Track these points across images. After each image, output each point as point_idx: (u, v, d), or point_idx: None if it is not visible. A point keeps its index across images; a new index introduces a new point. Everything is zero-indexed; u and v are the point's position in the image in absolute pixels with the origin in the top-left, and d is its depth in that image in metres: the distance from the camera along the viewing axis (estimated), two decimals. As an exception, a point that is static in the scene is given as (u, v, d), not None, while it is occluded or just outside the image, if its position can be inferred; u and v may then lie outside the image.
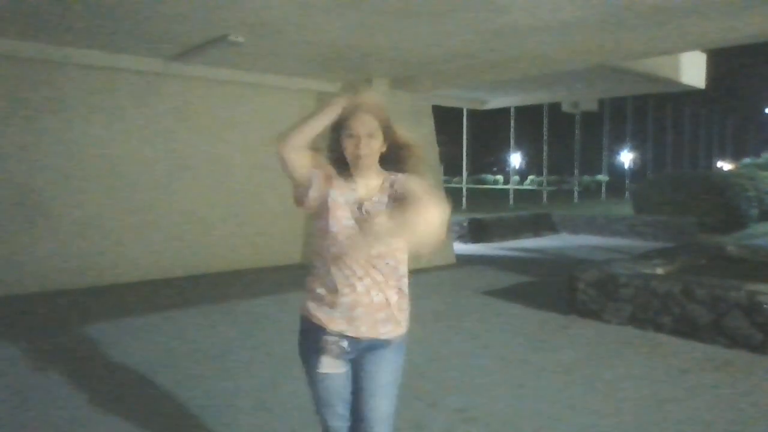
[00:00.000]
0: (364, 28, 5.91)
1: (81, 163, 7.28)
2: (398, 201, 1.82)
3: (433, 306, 6.19)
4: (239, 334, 5.25)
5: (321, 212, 1.88)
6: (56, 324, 5.56)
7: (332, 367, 1.86)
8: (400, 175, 1.91)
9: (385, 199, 1.87)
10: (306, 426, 3.22)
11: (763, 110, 47.93)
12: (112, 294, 6.92)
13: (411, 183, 1.84)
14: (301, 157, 1.85)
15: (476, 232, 11.99)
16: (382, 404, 1.92)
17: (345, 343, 1.85)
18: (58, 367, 4.30)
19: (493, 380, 4.08)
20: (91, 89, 7.32)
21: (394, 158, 1.93)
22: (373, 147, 1.86)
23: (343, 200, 1.86)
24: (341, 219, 1.84)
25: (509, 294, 6.89)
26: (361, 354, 1.89)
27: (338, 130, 1.88)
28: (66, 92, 7.14)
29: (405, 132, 1.93)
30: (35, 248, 6.94)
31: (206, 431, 3.29)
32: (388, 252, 1.84)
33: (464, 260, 9.29)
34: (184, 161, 8.14)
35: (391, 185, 1.89)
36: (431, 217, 1.63)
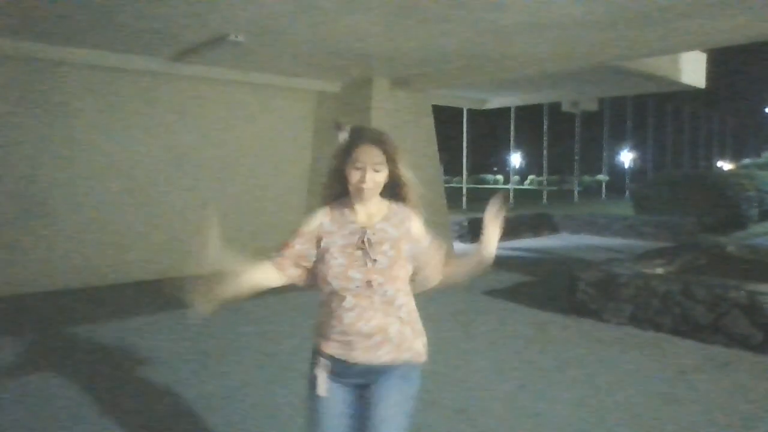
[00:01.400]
0: (364, 28, 5.91)
1: (81, 163, 7.29)
2: (408, 238, 1.88)
3: (433, 306, 6.17)
4: (239, 334, 5.25)
5: (319, 261, 1.87)
6: (56, 324, 5.56)
7: (321, 389, 1.84)
8: (401, 207, 1.92)
9: (390, 228, 1.87)
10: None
11: (763, 110, 47.93)
12: (112, 294, 6.92)
13: (421, 229, 1.93)
14: (294, 275, 1.91)
15: (476, 232, 11.93)
16: None
17: (330, 365, 1.84)
18: (59, 366, 4.30)
19: (493, 380, 4.09)
20: (92, 89, 7.32)
21: (391, 189, 1.92)
22: (377, 180, 1.83)
23: (331, 242, 1.85)
24: (329, 260, 1.83)
25: (509, 294, 6.88)
26: (366, 380, 1.85)
27: (344, 157, 1.86)
28: (66, 92, 7.14)
29: (406, 170, 1.90)
30: (35, 248, 6.94)
31: (206, 431, 3.29)
32: (386, 281, 1.81)
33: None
34: (184, 161, 8.14)
35: (396, 216, 1.90)
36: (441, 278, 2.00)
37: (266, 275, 1.90)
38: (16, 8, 5.26)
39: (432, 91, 9.57)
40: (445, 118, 15.38)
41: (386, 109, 8.67)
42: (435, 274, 1.98)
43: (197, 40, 6.37)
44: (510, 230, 13.61)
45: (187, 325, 5.50)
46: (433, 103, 10.15)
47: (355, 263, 1.81)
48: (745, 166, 24.37)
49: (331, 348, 1.85)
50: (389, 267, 1.82)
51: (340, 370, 1.84)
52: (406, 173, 1.91)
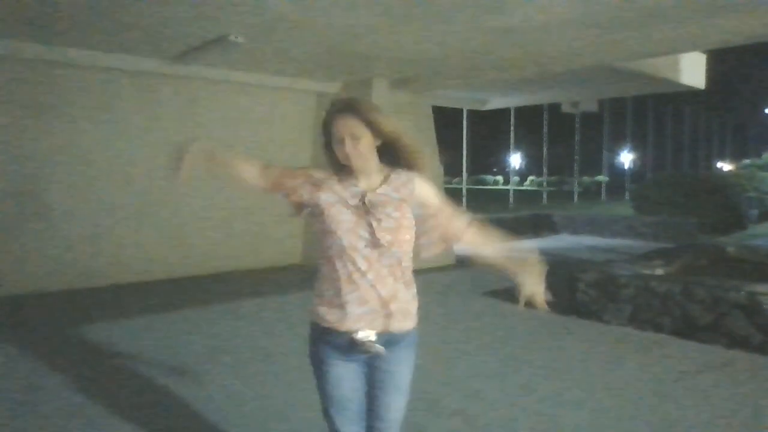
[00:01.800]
0: (364, 28, 5.91)
1: (81, 164, 7.28)
2: (411, 200, 1.86)
3: (433, 306, 6.18)
4: (239, 334, 5.24)
5: (316, 215, 1.86)
6: (56, 324, 5.56)
7: (380, 349, 1.80)
8: (403, 172, 1.90)
9: (392, 191, 1.85)
10: (308, 425, 3.22)
11: (763, 110, 47.94)
12: (112, 294, 6.92)
13: (427, 189, 1.91)
14: (268, 178, 1.91)
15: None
16: (399, 403, 1.91)
17: (371, 336, 1.81)
18: (59, 367, 4.30)
19: (492, 381, 4.08)
20: (92, 90, 7.32)
21: (388, 152, 1.90)
22: (360, 147, 1.81)
23: (335, 198, 1.83)
24: (336, 215, 1.81)
25: (509, 294, 6.87)
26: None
27: (326, 134, 1.87)
28: (66, 93, 7.14)
29: (392, 124, 1.86)
30: (35, 248, 6.94)
31: (207, 431, 3.29)
32: (394, 242, 1.80)
33: (464, 260, 9.29)
34: (184, 161, 8.13)
35: (398, 179, 1.88)
36: (461, 228, 1.94)
37: (252, 176, 1.91)
38: (16, 8, 5.26)
39: (432, 92, 9.57)
40: (445, 119, 15.37)
41: (386, 109, 8.64)
42: (447, 235, 1.93)
43: (197, 41, 6.37)
44: (510, 231, 13.67)
45: (187, 326, 5.50)
46: (433, 104, 10.16)
47: (361, 221, 1.80)
48: (745, 167, 24.38)
49: (350, 323, 1.80)
50: (395, 228, 1.81)
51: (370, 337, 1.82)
52: (397, 131, 1.87)
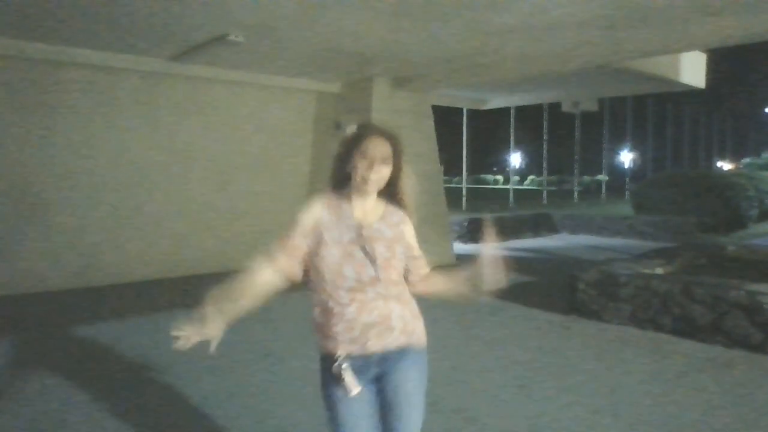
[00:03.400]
0: (364, 28, 5.91)
1: (82, 163, 7.28)
2: (401, 241, 1.90)
3: (433, 306, 6.17)
4: (239, 334, 5.23)
5: (313, 253, 1.86)
6: (56, 324, 5.56)
7: (351, 389, 1.80)
8: (396, 210, 1.92)
9: (386, 229, 1.87)
10: (308, 426, 3.22)
11: (763, 110, 47.93)
12: (112, 294, 6.91)
13: (413, 236, 1.95)
14: (298, 272, 1.90)
15: (476, 232, 11.99)
16: (411, 415, 1.87)
17: (357, 364, 1.81)
18: (58, 366, 4.30)
19: (492, 380, 4.08)
20: (92, 89, 7.32)
21: (388, 189, 1.91)
22: (383, 173, 1.83)
23: (328, 236, 1.84)
24: (323, 253, 1.82)
25: (509, 294, 6.88)
26: (382, 369, 1.85)
27: (351, 148, 1.85)
28: (66, 92, 7.13)
29: (408, 172, 1.90)
30: (35, 248, 6.94)
31: (206, 430, 3.29)
32: (380, 281, 1.81)
33: (464, 260, 9.28)
34: (184, 161, 8.14)
35: (392, 217, 1.90)
36: (418, 279, 1.99)
37: (268, 278, 1.90)
38: (16, 8, 5.26)
39: (432, 91, 9.57)
40: (445, 118, 15.37)
41: (386, 109, 8.67)
42: (413, 281, 1.98)
43: (197, 40, 6.37)
44: (510, 230, 13.65)
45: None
46: (433, 103, 10.15)
47: (348, 259, 1.80)
48: (745, 166, 24.37)
49: (343, 347, 1.81)
50: (383, 268, 1.81)
51: (359, 365, 1.82)
52: (408, 175, 1.91)
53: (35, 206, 6.95)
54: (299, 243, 1.88)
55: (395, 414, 1.86)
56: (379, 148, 1.82)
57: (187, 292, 7.09)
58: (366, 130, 1.86)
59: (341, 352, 1.81)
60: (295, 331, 5.23)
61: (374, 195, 1.88)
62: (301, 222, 1.89)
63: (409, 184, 1.93)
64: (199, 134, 8.28)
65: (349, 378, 1.80)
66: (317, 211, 1.90)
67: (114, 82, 7.46)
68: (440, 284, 2.00)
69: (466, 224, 12.06)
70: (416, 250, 1.97)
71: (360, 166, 1.82)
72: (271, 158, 9.02)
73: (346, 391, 1.80)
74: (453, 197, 16.14)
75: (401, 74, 8.44)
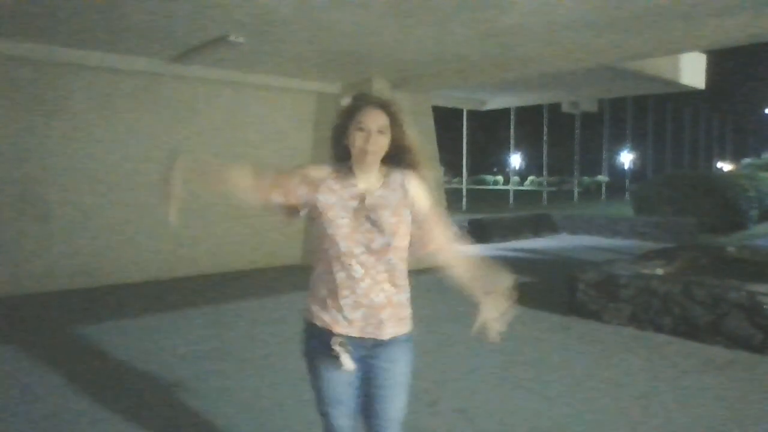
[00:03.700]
0: (364, 28, 5.91)
1: (82, 164, 7.28)
2: (406, 202, 1.84)
3: (433, 306, 6.19)
4: (239, 334, 5.24)
5: (314, 216, 1.84)
6: (56, 324, 5.56)
7: (349, 366, 1.82)
8: (401, 172, 1.88)
9: (389, 194, 1.84)
10: (307, 425, 3.22)
11: (763, 110, 47.94)
12: (112, 294, 6.91)
13: (421, 192, 1.88)
14: (276, 195, 1.83)
15: (476, 232, 11.99)
16: (396, 401, 1.90)
17: (351, 344, 1.82)
18: (59, 366, 4.29)
19: (492, 380, 4.08)
20: (92, 90, 7.32)
21: (394, 157, 1.89)
22: (381, 144, 1.81)
23: (334, 200, 1.81)
24: (334, 219, 1.79)
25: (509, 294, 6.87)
26: (372, 352, 1.86)
27: (347, 120, 1.84)
28: (67, 93, 7.14)
29: (412, 134, 1.88)
30: (35, 248, 6.94)
31: (206, 430, 3.29)
32: (391, 247, 1.80)
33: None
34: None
35: (396, 181, 1.86)
36: (439, 244, 1.91)
37: (244, 187, 1.83)
38: (16, 9, 5.27)
39: (432, 92, 9.57)
40: (445, 119, 15.37)
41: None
42: (427, 242, 1.90)
43: (197, 41, 6.37)
44: (510, 231, 13.62)
45: (186, 326, 5.50)
46: (433, 104, 10.16)
47: (357, 227, 1.79)
48: (745, 167, 24.38)
49: (343, 327, 1.81)
50: (392, 234, 1.79)
51: (354, 346, 1.83)
52: (411, 137, 1.88)
53: (35, 206, 6.95)
54: (293, 179, 1.83)
55: (382, 397, 1.88)
56: (374, 118, 1.80)
57: (187, 292, 7.09)
58: (360, 101, 1.84)
59: (338, 329, 1.82)
60: (295, 332, 5.22)
61: (376, 165, 1.86)
62: (304, 168, 1.87)
63: (417, 145, 1.89)
64: (199, 134, 8.28)
65: (346, 357, 1.81)
66: (322, 172, 1.87)
67: (114, 83, 7.46)
68: (467, 276, 1.91)
69: (466, 225, 12.05)
70: (426, 205, 1.88)
71: (357, 139, 1.80)
72: (271, 158, 9.02)
73: (338, 366, 1.81)
74: (453, 198, 16.15)
75: (401, 74, 8.45)
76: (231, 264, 8.50)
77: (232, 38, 6.02)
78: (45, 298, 6.60)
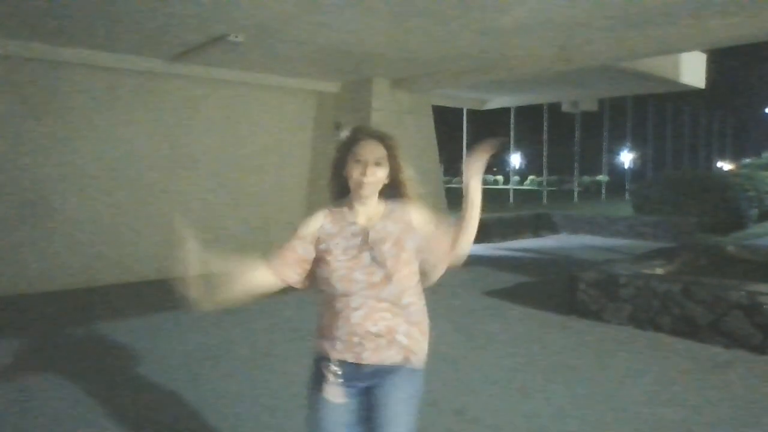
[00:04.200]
0: (364, 28, 5.91)
1: (82, 163, 7.29)
2: (410, 231, 1.85)
3: (433, 306, 6.16)
4: (239, 334, 5.24)
5: (320, 263, 1.85)
6: (56, 324, 5.56)
7: (333, 396, 1.80)
8: (399, 203, 1.89)
9: (391, 225, 1.84)
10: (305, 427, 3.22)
11: (763, 110, 47.92)
12: (112, 294, 6.91)
13: (423, 217, 1.89)
14: (289, 276, 1.88)
15: (476, 232, 11.97)
16: None
17: (341, 371, 1.80)
18: (58, 366, 4.30)
19: (493, 381, 4.08)
20: (92, 89, 7.32)
21: (391, 190, 1.90)
22: (378, 175, 1.82)
23: (332, 244, 1.83)
24: (331, 263, 1.81)
25: (509, 294, 6.88)
26: (371, 381, 1.82)
27: (345, 153, 1.85)
28: (67, 92, 7.14)
29: (407, 169, 1.89)
30: (35, 248, 6.94)
31: (206, 430, 3.29)
32: (392, 279, 1.79)
33: (464, 260, 9.28)
34: (184, 161, 8.14)
35: (395, 212, 1.87)
36: (461, 250, 1.91)
37: (261, 277, 1.88)
38: (16, 8, 5.26)
39: (432, 91, 9.57)
40: (445, 118, 15.37)
41: (386, 109, 8.67)
42: (443, 259, 1.92)
43: (197, 40, 6.37)
44: (510, 230, 13.61)
45: (186, 326, 5.50)
46: (433, 104, 10.16)
47: (358, 265, 1.79)
48: (745, 166, 24.36)
49: (339, 352, 1.81)
50: (393, 266, 1.79)
51: (350, 373, 1.80)
52: (407, 172, 1.90)
53: (35, 206, 6.95)
54: (296, 248, 1.87)
55: (377, 428, 1.82)
56: (371, 150, 1.82)
57: (188, 290, 7.09)
58: (358, 134, 1.86)
59: (334, 355, 1.81)
60: (295, 332, 5.23)
61: (374, 198, 1.87)
62: (301, 230, 1.89)
63: (411, 181, 1.91)
64: (199, 134, 8.28)
65: (334, 384, 1.80)
66: (318, 221, 1.89)
67: (114, 82, 7.46)
68: (456, 231, 1.88)
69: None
70: (432, 226, 1.89)
71: (354, 171, 1.81)
72: (271, 158, 9.02)
73: (328, 395, 1.80)
74: (453, 198, 16.12)
75: (401, 74, 8.45)
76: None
77: (231, 38, 6.02)
78: (45, 298, 6.59)
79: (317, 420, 1.85)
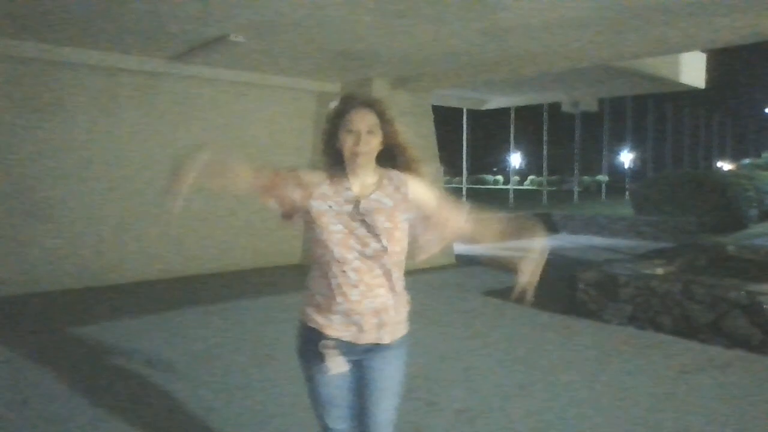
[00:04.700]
0: (364, 28, 5.91)
1: (82, 163, 7.29)
2: (404, 206, 1.82)
3: (434, 306, 6.19)
4: (239, 334, 5.24)
5: (308, 221, 1.83)
6: (57, 324, 5.56)
7: (337, 368, 1.83)
8: (396, 173, 1.86)
9: (385, 198, 1.81)
10: (306, 426, 3.22)
11: (763, 110, 47.93)
12: (112, 294, 6.91)
13: (422, 190, 1.86)
14: (271, 199, 1.82)
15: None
16: (387, 404, 1.90)
17: (343, 348, 1.83)
18: (59, 366, 4.29)
19: (493, 380, 4.08)
20: (92, 89, 7.32)
21: (388, 155, 1.87)
22: (372, 144, 1.79)
23: (327, 206, 1.80)
24: (327, 225, 1.78)
25: (509, 294, 6.87)
26: (364, 355, 1.86)
27: (336, 123, 1.82)
28: (67, 92, 7.14)
29: (404, 133, 1.86)
30: (36, 248, 6.94)
31: (206, 431, 3.29)
32: (386, 252, 1.78)
33: (464, 260, 9.29)
34: (184, 161, 8.13)
35: (391, 183, 1.84)
36: (461, 223, 1.88)
37: (240, 171, 1.78)
38: (16, 8, 5.26)
39: (432, 91, 9.57)
40: (445, 118, 15.38)
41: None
42: (442, 237, 1.90)
43: (197, 40, 6.37)
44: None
45: (186, 326, 5.50)
46: (433, 104, 10.16)
47: (351, 233, 1.77)
48: (745, 167, 24.36)
49: (336, 330, 1.82)
50: (387, 239, 1.77)
51: (345, 349, 1.83)
52: (403, 136, 1.87)
53: (35, 206, 6.95)
54: (285, 183, 1.81)
55: (373, 399, 1.88)
56: (363, 119, 1.78)
57: (187, 292, 7.10)
58: (348, 103, 1.82)
59: (331, 333, 1.82)
60: (294, 332, 5.22)
61: (370, 167, 1.84)
62: (299, 173, 1.84)
63: (408, 145, 1.88)
64: (199, 134, 8.27)
65: (335, 359, 1.82)
66: (318, 177, 1.85)
67: (114, 82, 7.46)
68: (492, 236, 1.92)
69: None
70: (435, 201, 1.87)
71: (347, 140, 1.78)
72: (271, 158, 9.02)
73: (328, 369, 1.82)
74: (453, 198, 16.06)
75: (401, 74, 8.45)
76: (231, 263, 8.50)
77: (232, 38, 6.02)
78: (45, 298, 6.59)
79: (318, 389, 1.90)
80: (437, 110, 10.37)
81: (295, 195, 1.81)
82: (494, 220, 1.94)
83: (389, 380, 1.89)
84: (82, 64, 7.00)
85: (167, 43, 6.56)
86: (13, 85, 6.77)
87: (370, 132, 1.79)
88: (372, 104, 1.82)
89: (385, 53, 7.05)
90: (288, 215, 1.86)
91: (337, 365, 1.83)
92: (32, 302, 6.44)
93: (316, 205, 1.80)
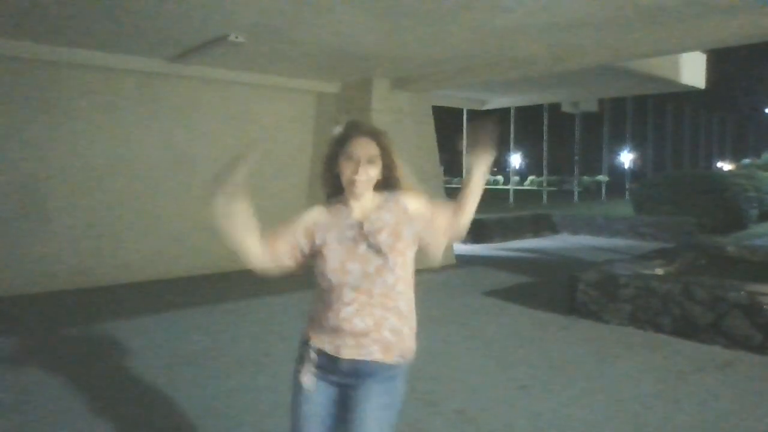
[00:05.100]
0: (364, 29, 5.91)
1: (82, 163, 7.28)
2: (406, 219, 1.83)
3: (434, 306, 6.19)
4: (239, 334, 5.24)
5: (316, 258, 1.84)
6: (56, 324, 5.56)
7: (305, 381, 1.81)
8: (390, 195, 1.87)
9: (387, 214, 1.83)
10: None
11: (763, 110, 47.93)
12: (112, 294, 6.91)
13: (418, 202, 1.87)
14: (281, 257, 1.84)
15: (476, 232, 11.98)
16: None
17: (318, 359, 1.81)
18: (58, 366, 4.29)
19: (493, 381, 4.08)
20: (92, 90, 7.32)
21: (385, 187, 1.88)
22: (370, 174, 1.80)
23: (329, 236, 1.81)
24: (327, 254, 1.79)
25: (510, 294, 6.88)
26: (347, 381, 1.80)
27: (337, 149, 1.83)
28: (67, 93, 7.14)
29: (399, 162, 1.86)
30: (36, 248, 6.94)
31: (207, 431, 3.29)
32: (385, 269, 1.77)
33: (464, 261, 9.29)
34: (184, 161, 8.14)
35: (390, 200, 1.86)
36: (452, 220, 1.85)
37: (255, 244, 1.81)
38: (16, 8, 5.26)
39: (432, 92, 9.57)
40: (445, 119, 15.37)
41: (386, 109, 8.67)
42: (443, 237, 1.88)
43: (197, 40, 6.37)
44: (510, 231, 13.60)
45: (186, 326, 5.50)
46: (433, 104, 10.16)
47: (352, 255, 1.78)
48: (745, 167, 24.36)
49: (321, 341, 1.81)
50: (389, 254, 1.77)
51: (328, 365, 1.80)
52: (402, 170, 1.87)
53: (35, 206, 6.95)
54: (289, 234, 1.84)
55: (347, 427, 1.79)
56: (364, 148, 1.79)
57: (187, 292, 7.10)
58: (350, 131, 1.83)
59: (316, 343, 1.82)
60: (295, 332, 5.22)
61: (368, 194, 1.85)
62: (298, 219, 1.87)
63: (406, 177, 1.88)
64: (198, 134, 8.28)
65: (309, 371, 1.82)
66: (315, 213, 1.88)
67: (114, 83, 7.46)
68: (460, 202, 1.84)
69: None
70: (428, 209, 1.86)
71: (347, 169, 1.79)
72: (271, 158, 9.02)
73: (302, 379, 1.82)
74: (453, 197, 16.07)
75: (401, 74, 8.44)
76: (230, 264, 8.48)
77: (232, 38, 6.02)
78: (45, 298, 6.60)
79: (294, 405, 1.88)
80: (437, 110, 10.37)
81: (302, 242, 1.84)
82: (446, 204, 1.90)
83: (375, 413, 1.77)
84: (82, 64, 7.00)
85: (167, 44, 6.56)
86: (13, 85, 6.77)
87: (369, 161, 1.79)
88: (375, 135, 1.83)
89: (385, 53, 7.05)
90: (302, 265, 1.88)
91: (307, 379, 1.81)
92: (32, 302, 6.44)
93: (318, 241, 1.82)
